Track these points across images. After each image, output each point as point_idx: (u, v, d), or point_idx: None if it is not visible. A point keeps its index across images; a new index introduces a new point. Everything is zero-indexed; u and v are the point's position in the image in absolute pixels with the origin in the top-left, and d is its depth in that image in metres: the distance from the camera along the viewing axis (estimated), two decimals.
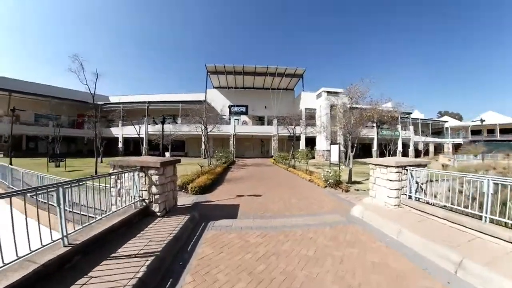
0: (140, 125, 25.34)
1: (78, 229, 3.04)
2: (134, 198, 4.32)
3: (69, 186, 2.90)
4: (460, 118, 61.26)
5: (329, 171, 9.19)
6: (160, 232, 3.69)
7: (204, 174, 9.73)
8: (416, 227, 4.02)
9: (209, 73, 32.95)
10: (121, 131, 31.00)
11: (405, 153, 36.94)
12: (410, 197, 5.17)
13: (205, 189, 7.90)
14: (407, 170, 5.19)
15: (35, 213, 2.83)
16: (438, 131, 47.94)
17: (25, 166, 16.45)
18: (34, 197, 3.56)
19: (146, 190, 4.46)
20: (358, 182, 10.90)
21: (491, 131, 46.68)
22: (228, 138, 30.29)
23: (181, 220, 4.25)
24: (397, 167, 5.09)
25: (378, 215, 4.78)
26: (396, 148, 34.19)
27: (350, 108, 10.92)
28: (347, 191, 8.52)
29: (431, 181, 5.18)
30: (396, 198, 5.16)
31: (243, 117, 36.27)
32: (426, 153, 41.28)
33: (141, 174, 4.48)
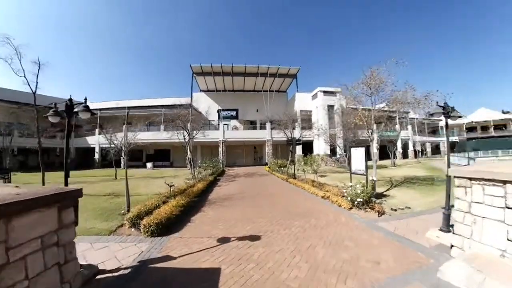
0: (119, 133, 22.21)
1: None
2: None
3: None
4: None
5: (353, 185, 6.53)
6: None
7: (175, 197, 6.82)
8: None
9: (194, 75, 30.09)
10: (98, 140, 27.41)
11: (404, 154, 35.36)
12: None
13: (168, 226, 4.94)
14: None
15: None
16: (434, 130, 47.79)
17: None
18: None
19: None
20: (382, 194, 8.39)
21: (485, 128, 45.96)
22: (217, 146, 27.33)
23: None
24: None
25: None
26: (396, 149, 32.30)
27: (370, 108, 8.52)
28: (382, 213, 5.92)
29: None
30: None
31: (234, 122, 33.49)
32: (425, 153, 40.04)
33: None
